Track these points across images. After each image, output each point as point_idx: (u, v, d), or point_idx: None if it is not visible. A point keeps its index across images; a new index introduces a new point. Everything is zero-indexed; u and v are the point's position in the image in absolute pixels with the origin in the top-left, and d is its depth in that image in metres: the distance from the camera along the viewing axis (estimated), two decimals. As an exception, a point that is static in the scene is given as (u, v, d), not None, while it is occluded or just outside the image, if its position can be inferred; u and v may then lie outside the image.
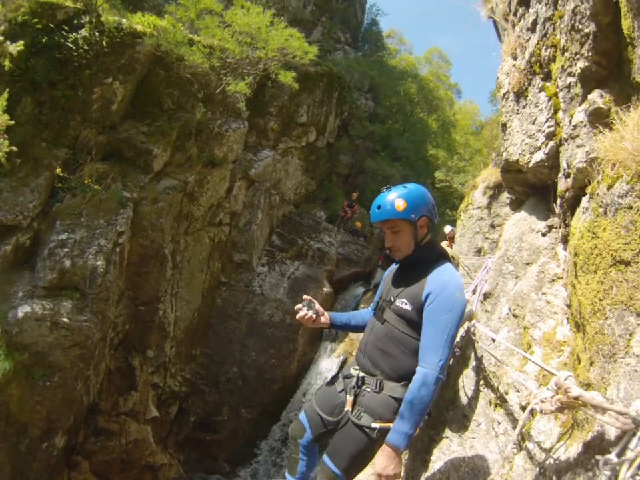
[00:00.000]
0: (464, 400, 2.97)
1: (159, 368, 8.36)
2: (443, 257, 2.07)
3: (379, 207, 2.04)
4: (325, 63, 15.08)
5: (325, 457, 2.07)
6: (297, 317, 2.30)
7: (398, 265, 2.25)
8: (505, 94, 3.71)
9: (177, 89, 8.80)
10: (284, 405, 9.82)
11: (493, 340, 2.65)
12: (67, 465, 7.50)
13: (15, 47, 4.16)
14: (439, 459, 2.78)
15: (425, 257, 2.05)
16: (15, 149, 4.84)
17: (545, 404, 1.51)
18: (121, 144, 8.04)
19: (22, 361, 6.21)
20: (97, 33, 7.32)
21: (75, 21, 7.25)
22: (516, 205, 4.10)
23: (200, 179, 9.19)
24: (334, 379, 2.34)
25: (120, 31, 7.56)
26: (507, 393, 2.32)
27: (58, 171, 7.06)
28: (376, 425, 1.95)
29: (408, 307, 1.98)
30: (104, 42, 7.37)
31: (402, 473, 1.88)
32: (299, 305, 2.32)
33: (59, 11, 7.11)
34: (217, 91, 9.40)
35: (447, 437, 2.90)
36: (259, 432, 9.63)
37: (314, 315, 2.30)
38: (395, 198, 2.00)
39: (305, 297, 2.38)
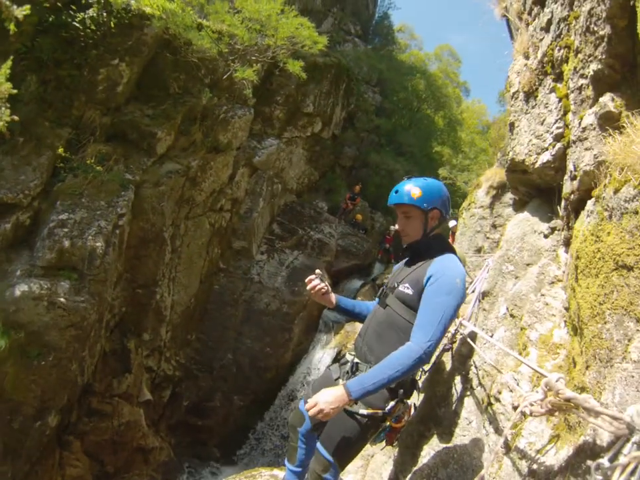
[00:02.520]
0: (456, 397, 2.98)
1: (153, 352, 8.37)
2: (449, 250, 2.10)
3: (396, 192, 2.12)
4: (334, 54, 14.97)
5: (319, 445, 2.08)
6: (308, 287, 2.30)
7: (407, 258, 2.28)
8: (514, 93, 3.67)
9: (184, 73, 8.68)
10: (276, 393, 9.84)
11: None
12: (59, 445, 7.50)
13: (20, 11, 4.07)
14: (428, 454, 2.79)
15: (432, 247, 2.09)
16: (15, 118, 4.81)
17: (534, 407, 1.50)
18: (125, 126, 7.95)
19: (18, 340, 6.17)
20: (104, 14, 7.21)
21: (83, 1, 7.12)
22: (519, 206, 4.08)
23: (203, 164, 9.13)
24: (331, 366, 2.34)
25: (128, 12, 7.46)
26: (500, 393, 2.32)
27: (60, 150, 7.01)
28: (365, 412, 1.95)
29: (409, 291, 2.00)
30: (111, 23, 7.27)
31: (391, 468, 1.87)
32: (312, 276, 2.32)
33: (67, -11, 7.03)
34: (224, 77, 9.31)
35: (437, 434, 2.92)
36: (250, 419, 9.66)
37: (325, 287, 2.30)
38: (412, 186, 2.09)
39: (317, 270, 2.38)
